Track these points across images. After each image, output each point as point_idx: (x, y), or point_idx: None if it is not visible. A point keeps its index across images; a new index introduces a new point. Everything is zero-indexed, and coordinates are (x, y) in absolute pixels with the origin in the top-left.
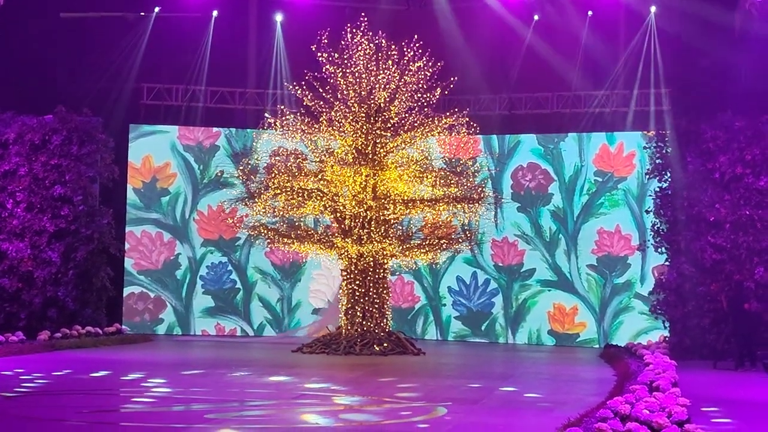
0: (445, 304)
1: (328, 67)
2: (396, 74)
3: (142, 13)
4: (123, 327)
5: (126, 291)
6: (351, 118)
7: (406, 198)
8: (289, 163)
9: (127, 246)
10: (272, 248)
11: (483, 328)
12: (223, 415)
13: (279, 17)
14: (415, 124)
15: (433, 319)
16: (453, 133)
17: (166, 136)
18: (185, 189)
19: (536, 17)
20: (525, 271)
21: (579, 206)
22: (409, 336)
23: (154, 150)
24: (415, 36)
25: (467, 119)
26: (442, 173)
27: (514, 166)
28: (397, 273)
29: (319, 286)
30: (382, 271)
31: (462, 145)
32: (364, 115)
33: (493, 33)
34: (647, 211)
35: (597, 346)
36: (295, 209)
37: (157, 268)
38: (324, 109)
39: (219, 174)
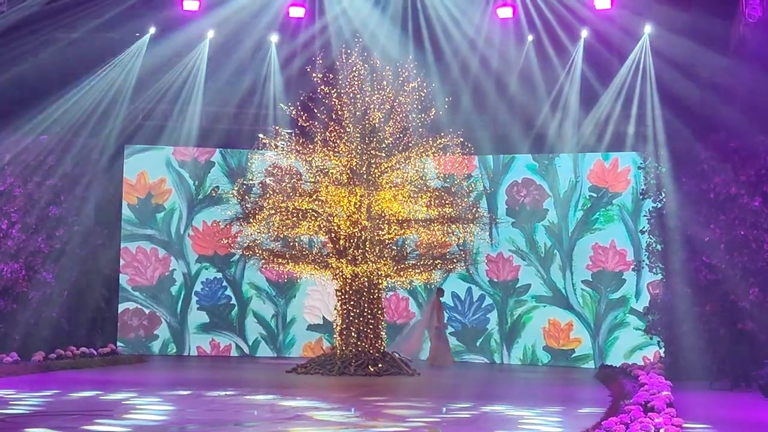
0: None
1: (322, 87)
2: (390, 95)
3: (137, 34)
4: (117, 347)
5: (121, 307)
6: (346, 138)
7: (400, 218)
8: (283, 184)
9: (122, 262)
10: (266, 268)
11: (478, 344)
12: None
13: (274, 38)
14: (410, 145)
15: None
16: (447, 154)
17: (161, 152)
18: (180, 205)
19: (530, 38)
20: (520, 287)
21: (574, 222)
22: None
23: (149, 166)
24: (410, 57)
25: (461, 140)
26: (437, 193)
27: (509, 181)
28: (392, 291)
29: (314, 302)
30: (376, 291)
31: (456, 165)
32: (358, 135)
33: (487, 54)
34: (642, 231)
35: (592, 362)
36: (289, 229)
37: (151, 284)
38: (318, 130)
39: (214, 192)
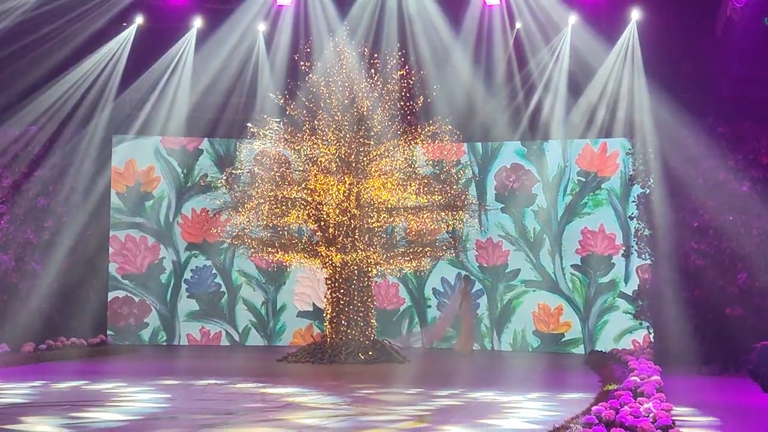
0: (429, 306)
1: (310, 75)
2: (379, 83)
3: (124, 24)
4: (108, 338)
5: (110, 296)
6: (334, 126)
7: (390, 206)
8: (272, 172)
9: (110, 250)
10: (255, 257)
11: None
12: (214, 425)
13: (262, 27)
14: (398, 133)
15: (418, 321)
16: (436, 141)
17: (149, 140)
18: (169, 193)
19: (519, 25)
20: (509, 272)
21: (563, 206)
22: (394, 344)
23: (137, 154)
24: (398, 44)
25: (450, 127)
26: (426, 181)
27: (498, 167)
28: (382, 278)
29: (303, 288)
30: (366, 279)
31: (446, 153)
32: (347, 123)
33: (475, 40)
34: (630, 218)
35: (582, 346)
36: (278, 218)
37: (141, 272)
38: (307, 118)
39: (203, 181)
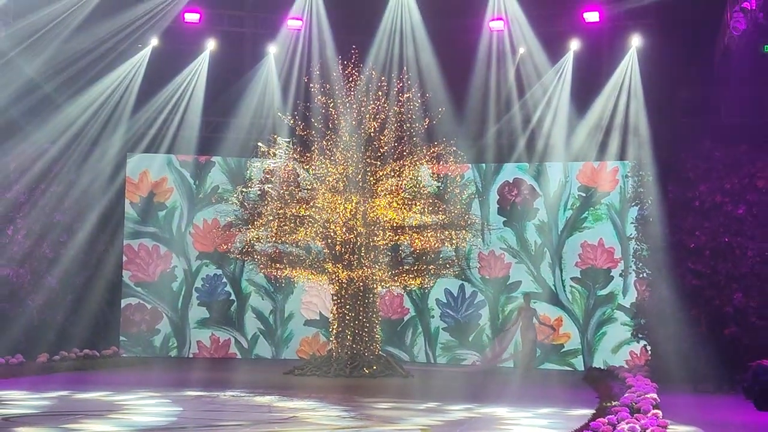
0: (433, 317)
1: (320, 97)
2: (386, 105)
3: (140, 45)
4: (120, 342)
5: (123, 302)
6: (342, 147)
7: (395, 225)
8: (281, 191)
9: (124, 258)
10: (264, 272)
11: (470, 339)
12: None
13: (273, 49)
14: (404, 153)
15: (421, 330)
16: (441, 162)
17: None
18: (181, 203)
19: (522, 50)
20: (511, 284)
21: (563, 221)
22: (397, 359)
23: (151, 165)
24: (405, 67)
25: (454, 148)
26: (431, 200)
27: (501, 181)
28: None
29: (311, 298)
30: (371, 295)
31: (449, 170)
32: (354, 144)
33: (479, 64)
34: (629, 238)
35: (581, 356)
36: (287, 235)
37: (153, 280)
38: (315, 139)
39: (214, 199)
